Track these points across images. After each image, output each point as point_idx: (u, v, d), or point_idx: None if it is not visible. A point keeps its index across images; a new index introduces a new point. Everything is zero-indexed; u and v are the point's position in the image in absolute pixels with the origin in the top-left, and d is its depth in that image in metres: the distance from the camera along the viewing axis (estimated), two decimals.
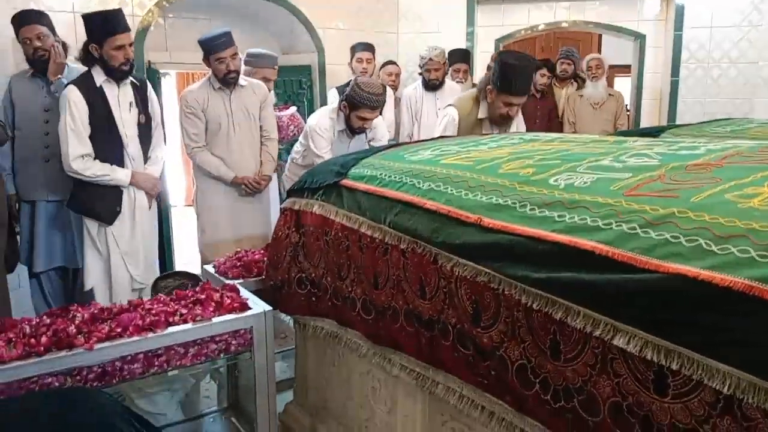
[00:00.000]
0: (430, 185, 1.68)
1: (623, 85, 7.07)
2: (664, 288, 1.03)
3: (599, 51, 8.12)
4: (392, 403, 1.93)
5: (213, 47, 3.22)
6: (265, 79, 3.62)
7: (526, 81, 3.02)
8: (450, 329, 1.51)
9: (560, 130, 5.19)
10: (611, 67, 8.10)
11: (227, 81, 3.29)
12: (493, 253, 1.37)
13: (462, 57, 4.85)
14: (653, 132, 3.00)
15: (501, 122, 3.08)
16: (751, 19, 4.85)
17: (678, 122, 4.82)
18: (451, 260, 1.48)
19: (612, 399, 1.12)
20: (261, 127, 3.49)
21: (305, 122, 3.64)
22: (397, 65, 4.90)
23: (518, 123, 3.27)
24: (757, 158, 1.42)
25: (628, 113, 5.58)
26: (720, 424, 0.96)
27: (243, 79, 3.39)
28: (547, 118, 4.85)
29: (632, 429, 1.09)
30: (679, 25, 4.99)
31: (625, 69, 6.72)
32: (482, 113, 3.12)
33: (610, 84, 8.31)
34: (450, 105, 3.24)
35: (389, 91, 4.65)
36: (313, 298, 2.14)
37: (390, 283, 1.73)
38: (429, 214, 1.60)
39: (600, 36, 8.08)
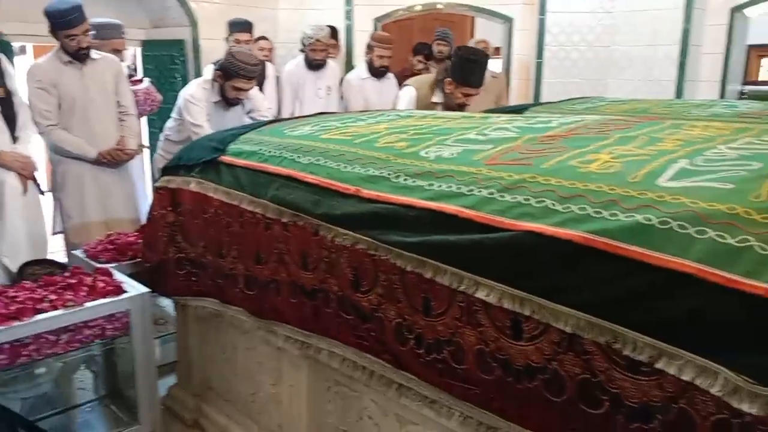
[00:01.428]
0: (310, 159, 1.71)
1: (495, 66, 7.45)
2: (517, 244, 1.16)
3: (473, 33, 8.49)
4: (278, 375, 1.97)
5: (62, 24, 2.97)
6: (115, 51, 3.42)
7: (482, 74, 3.36)
8: (332, 297, 1.57)
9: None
10: None
11: (79, 56, 3.08)
12: (370, 221, 1.45)
13: (333, 33, 4.85)
14: (518, 110, 3.24)
15: (457, 110, 3.29)
16: (604, 5, 5.30)
17: (543, 101, 5.19)
18: (331, 231, 1.54)
19: (476, 347, 1.24)
20: (118, 102, 3.31)
21: (161, 96, 3.52)
22: (269, 40, 4.82)
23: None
24: (599, 130, 1.61)
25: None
26: (565, 360, 1.10)
27: (95, 53, 3.18)
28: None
29: (494, 372, 1.21)
30: (542, 9, 5.35)
31: (496, 51, 7.08)
32: (437, 99, 3.36)
33: None
34: (407, 85, 3.47)
35: (270, 67, 4.58)
36: (194, 278, 2.11)
37: (272, 258, 1.75)
38: (310, 187, 1.64)
39: (473, 19, 8.44)
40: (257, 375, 2.10)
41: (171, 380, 2.54)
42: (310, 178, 1.64)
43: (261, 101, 3.46)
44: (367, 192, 1.48)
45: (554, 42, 5.42)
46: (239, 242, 1.87)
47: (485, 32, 7.75)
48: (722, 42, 5.09)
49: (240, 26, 4.41)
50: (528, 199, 1.21)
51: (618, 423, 1.04)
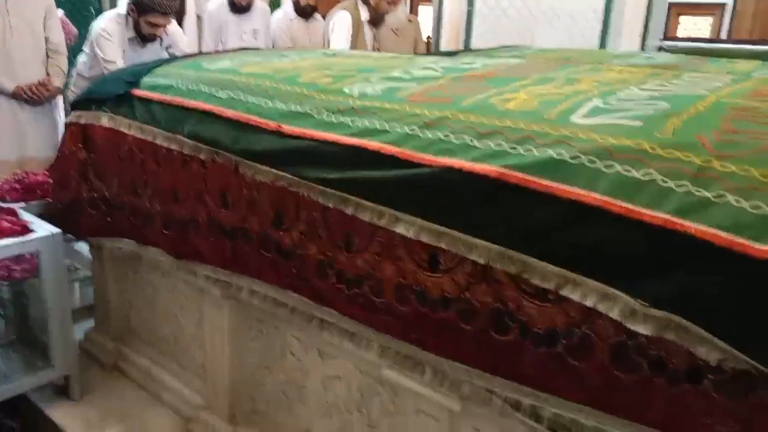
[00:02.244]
0: (229, 94, 1.65)
1: (427, 13, 7.37)
2: (436, 179, 1.17)
3: None
4: (199, 316, 1.94)
5: None
6: None
7: None
8: (253, 235, 1.55)
9: None
10: None
11: None
12: (292, 158, 1.42)
13: None
14: (449, 54, 3.23)
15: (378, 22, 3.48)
16: None
17: (478, 48, 5.20)
18: (251, 167, 1.50)
19: (395, 280, 1.26)
20: (47, 38, 3.07)
21: (76, 30, 3.27)
22: None
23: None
24: (519, 71, 1.63)
25: (429, 40, 5.88)
26: (478, 290, 1.14)
27: None
28: None
29: (411, 304, 1.24)
30: None
31: None
32: (364, 16, 3.41)
33: (415, 11, 8.65)
34: (341, 9, 3.44)
35: (190, 2, 4.32)
36: (109, 218, 2.02)
37: (190, 196, 1.69)
38: (229, 122, 1.58)
39: None
40: (179, 317, 2.06)
41: (89, 324, 2.45)
42: (230, 113, 1.58)
43: (180, 37, 3.28)
44: (289, 128, 1.45)
45: None
46: (155, 180, 1.80)
47: None
48: None
49: None
50: (448, 136, 1.22)
51: (526, 348, 1.09)
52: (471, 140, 1.18)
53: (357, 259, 1.32)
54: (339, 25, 3.44)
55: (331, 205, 1.33)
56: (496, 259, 1.10)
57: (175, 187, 1.74)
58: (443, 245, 1.16)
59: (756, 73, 2.55)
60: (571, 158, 1.04)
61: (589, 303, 0.99)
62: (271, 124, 1.48)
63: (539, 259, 1.05)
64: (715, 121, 1.07)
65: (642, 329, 0.92)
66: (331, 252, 1.37)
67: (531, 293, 1.07)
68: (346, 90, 1.51)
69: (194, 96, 1.71)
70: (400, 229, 1.22)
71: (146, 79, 1.91)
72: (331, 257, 1.37)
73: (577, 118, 1.15)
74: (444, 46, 5.69)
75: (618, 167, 1.00)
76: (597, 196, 0.98)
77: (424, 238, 1.19)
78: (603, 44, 5.16)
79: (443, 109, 1.30)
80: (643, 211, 0.93)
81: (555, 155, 1.06)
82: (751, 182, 0.90)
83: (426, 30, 5.85)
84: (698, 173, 0.94)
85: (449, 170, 1.15)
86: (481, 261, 1.11)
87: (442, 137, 1.22)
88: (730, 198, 0.89)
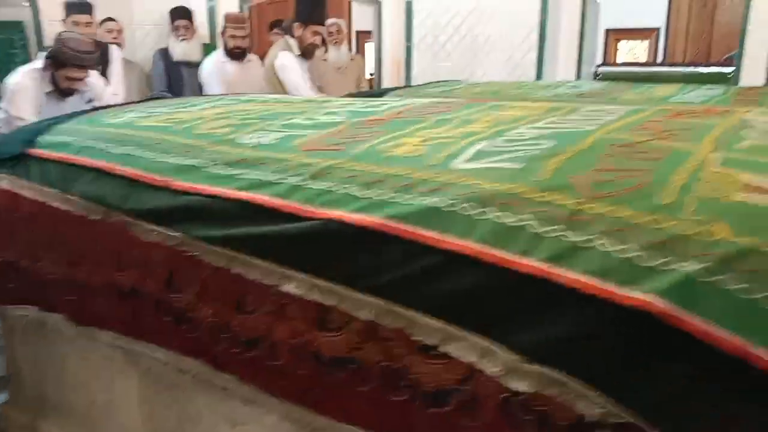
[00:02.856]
0: (124, 150, 1.58)
1: (371, 49, 7.47)
2: (322, 232, 1.12)
3: (349, 16, 8.44)
4: (109, 382, 1.83)
5: None
6: None
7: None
8: (149, 298, 1.46)
9: None
10: (361, 32, 8.51)
11: None
12: (181, 215, 1.35)
13: (183, 14, 4.58)
14: (376, 94, 3.23)
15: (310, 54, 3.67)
16: None
17: (413, 85, 5.25)
18: (142, 227, 1.42)
19: (289, 341, 1.19)
20: None
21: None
22: (117, 21, 4.48)
23: None
24: (421, 113, 1.60)
25: (372, 76, 5.92)
26: (368, 348, 1.08)
27: None
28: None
29: (306, 365, 1.17)
30: None
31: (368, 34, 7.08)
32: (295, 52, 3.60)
33: (361, 49, 8.75)
34: (281, 51, 3.63)
35: (116, 49, 4.24)
36: (10, 284, 1.90)
37: (87, 259, 1.60)
38: (120, 180, 1.51)
39: (350, 1, 8.38)
40: (91, 384, 1.93)
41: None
42: (120, 170, 1.51)
43: (101, 89, 3.20)
44: (178, 183, 1.38)
45: (422, 26, 5.48)
46: (53, 243, 1.70)
47: (362, 16, 7.76)
48: (577, 26, 5.38)
49: (77, 7, 4.01)
50: (334, 186, 1.17)
51: (417, 409, 1.03)
52: (355, 190, 1.14)
53: (250, 321, 1.25)
54: (286, 64, 3.61)
55: (221, 265, 1.26)
56: (382, 315, 1.05)
57: (72, 250, 1.64)
58: (332, 303, 1.11)
59: (674, 98, 2.61)
60: (447, 206, 1.00)
61: (469, 359, 0.93)
62: (161, 180, 1.41)
63: (423, 314, 1.00)
64: (592, 160, 1.05)
65: (519, 386, 0.87)
66: (224, 314, 1.29)
67: (419, 350, 1.02)
68: (243, 140, 1.46)
69: (88, 153, 1.63)
70: (289, 288, 1.16)
71: (45, 137, 1.82)
72: (225, 320, 1.30)
73: (458, 163, 1.12)
74: (386, 83, 5.74)
75: (492, 214, 0.96)
76: (470, 244, 0.94)
77: (314, 296, 1.13)
78: (540, 73, 5.27)
79: (333, 158, 1.26)
80: (516, 259, 0.90)
81: (432, 203, 1.02)
82: (619, 224, 0.87)
83: (370, 67, 5.91)
84: (570, 217, 0.91)
85: (332, 222, 1.10)
86: (369, 318, 1.06)
87: (327, 188, 1.17)
88: (598, 243, 0.86)
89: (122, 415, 1.81)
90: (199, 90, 4.48)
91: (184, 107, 1.94)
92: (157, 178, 1.42)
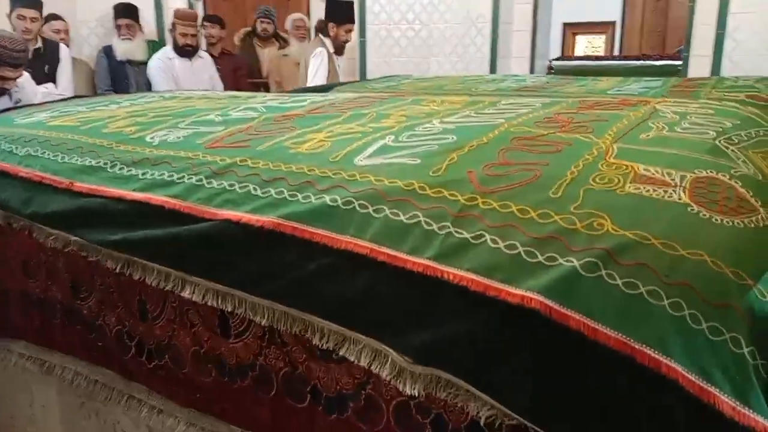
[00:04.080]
0: (28, 150, 1.49)
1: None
2: (217, 234, 1.06)
3: (308, 12, 8.34)
4: (30, 394, 1.74)
5: None
6: None
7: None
8: (56, 306, 1.39)
9: (255, 89, 5.21)
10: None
11: None
12: (82, 218, 1.28)
13: (126, 12, 4.44)
14: (323, 90, 3.17)
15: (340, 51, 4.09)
16: None
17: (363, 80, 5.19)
18: (44, 232, 1.35)
19: (193, 348, 1.14)
20: None
21: None
22: (62, 20, 4.33)
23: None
24: (343, 107, 1.56)
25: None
26: (269, 354, 1.04)
27: None
28: (232, 76, 4.68)
29: (211, 374, 1.12)
30: None
31: None
32: (330, 49, 3.96)
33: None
34: (317, 47, 3.99)
35: (64, 49, 4.10)
36: None
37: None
38: (23, 183, 1.43)
39: None
40: (11, 397, 1.85)
41: None
42: (23, 172, 1.42)
43: (30, 92, 3.06)
44: (79, 185, 1.31)
45: (376, 21, 5.43)
46: None
47: (320, 10, 7.68)
48: (529, 20, 5.40)
49: (23, 1, 3.86)
50: (233, 185, 1.11)
51: (319, 415, 0.99)
52: (254, 189, 1.08)
53: (154, 328, 1.19)
54: (318, 61, 3.98)
55: (118, 269, 1.20)
56: (279, 319, 1.00)
57: None
58: (230, 308, 1.05)
59: (612, 90, 2.62)
60: (344, 204, 0.96)
61: (364, 362, 0.90)
62: (63, 182, 1.34)
63: (318, 317, 0.95)
64: (491, 154, 1.02)
65: (409, 389, 0.84)
66: (128, 321, 1.24)
67: (318, 355, 0.98)
68: (148, 138, 1.39)
69: None
70: (186, 293, 1.10)
71: None
72: (130, 327, 1.24)
73: (360, 160, 1.08)
74: (342, 77, 5.68)
75: (387, 211, 0.92)
76: (364, 243, 0.90)
77: (212, 301, 1.08)
78: (493, 67, 5.27)
79: (235, 155, 1.20)
80: (406, 257, 0.86)
81: (330, 201, 0.98)
82: (509, 219, 0.84)
83: None
84: (460, 213, 0.87)
85: (228, 223, 1.05)
86: (266, 323, 1.01)
87: (227, 187, 1.12)
88: (488, 238, 0.83)
89: (44, 428, 1.73)
90: (146, 87, 4.35)
91: (102, 105, 1.86)
92: (60, 180, 1.35)
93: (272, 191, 1.06)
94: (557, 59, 7.04)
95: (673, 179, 0.88)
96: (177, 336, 1.15)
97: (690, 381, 0.68)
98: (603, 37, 9.69)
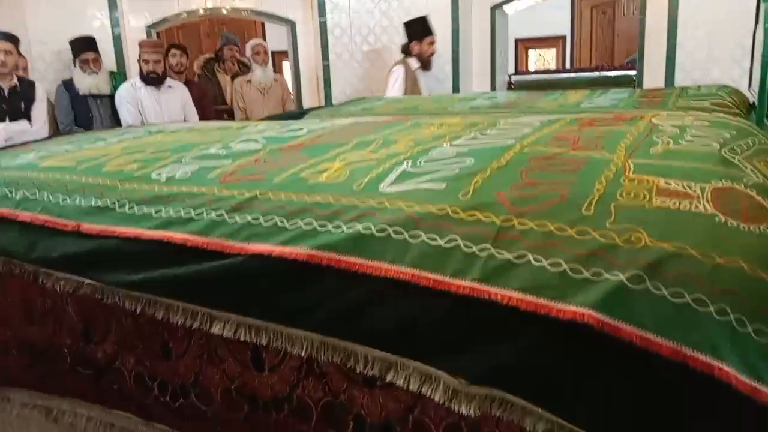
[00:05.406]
0: (24, 193, 1.45)
1: (288, 69, 7.40)
2: (247, 269, 1.06)
3: (264, 37, 8.35)
4: None
5: None
6: None
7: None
8: (65, 352, 1.35)
9: (219, 117, 5.17)
10: (277, 52, 8.43)
11: None
12: (94, 260, 1.25)
13: (88, 45, 4.35)
14: (296, 115, 3.18)
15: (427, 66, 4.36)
16: (380, 6, 5.47)
17: (334, 103, 5.23)
18: (51, 276, 1.31)
19: (222, 385, 1.13)
20: None
21: None
22: (23, 56, 4.22)
23: None
24: (341, 135, 1.58)
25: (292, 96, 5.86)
26: (306, 385, 1.04)
27: None
28: (198, 104, 4.61)
29: (243, 409, 1.11)
30: (322, 11, 5.37)
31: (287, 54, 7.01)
32: (414, 66, 4.30)
33: (279, 69, 8.67)
34: (396, 66, 4.32)
35: (40, 88, 3.97)
36: None
37: None
38: (23, 227, 1.39)
39: (263, 23, 8.30)
40: None
41: None
42: (23, 216, 1.39)
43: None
44: (88, 226, 1.28)
45: (338, 44, 5.48)
46: None
47: (276, 34, 7.70)
48: (487, 38, 5.55)
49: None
50: (257, 218, 1.12)
51: None
52: (280, 221, 1.09)
53: (178, 367, 1.17)
54: (394, 78, 4.29)
55: (138, 310, 1.18)
56: (318, 349, 1.00)
57: None
58: (264, 341, 1.05)
59: (584, 103, 2.72)
60: (378, 231, 0.98)
61: (413, 387, 0.91)
62: (70, 224, 1.31)
63: (361, 344, 0.96)
64: (514, 175, 1.05)
65: (465, 409, 0.85)
66: (149, 362, 1.21)
67: (360, 382, 0.98)
68: (154, 175, 1.38)
69: None
70: (216, 329, 1.09)
71: None
72: (151, 367, 1.21)
73: (385, 187, 1.10)
74: (307, 102, 5.70)
75: (423, 236, 0.94)
76: (404, 269, 0.92)
77: (245, 336, 1.07)
78: (456, 85, 5.38)
79: (253, 188, 1.20)
80: (450, 281, 0.88)
81: (362, 230, 0.99)
82: (548, 238, 0.87)
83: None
84: (499, 234, 0.90)
85: (258, 257, 1.05)
86: (304, 354, 1.01)
87: (251, 221, 1.12)
88: (531, 257, 0.85)
89: None
90: (110, 121, 4.27)
91: (89, 143, 1.83)
92: (66, 222, 1.32)
93: (300, 222, 1.07)
94: (515, 74, 7.23)
95: (694, 191, 0.93)
96: (205, 373, 1.14)
97: (743, 382, 0.72)
98: (553, 50, 10.02)
